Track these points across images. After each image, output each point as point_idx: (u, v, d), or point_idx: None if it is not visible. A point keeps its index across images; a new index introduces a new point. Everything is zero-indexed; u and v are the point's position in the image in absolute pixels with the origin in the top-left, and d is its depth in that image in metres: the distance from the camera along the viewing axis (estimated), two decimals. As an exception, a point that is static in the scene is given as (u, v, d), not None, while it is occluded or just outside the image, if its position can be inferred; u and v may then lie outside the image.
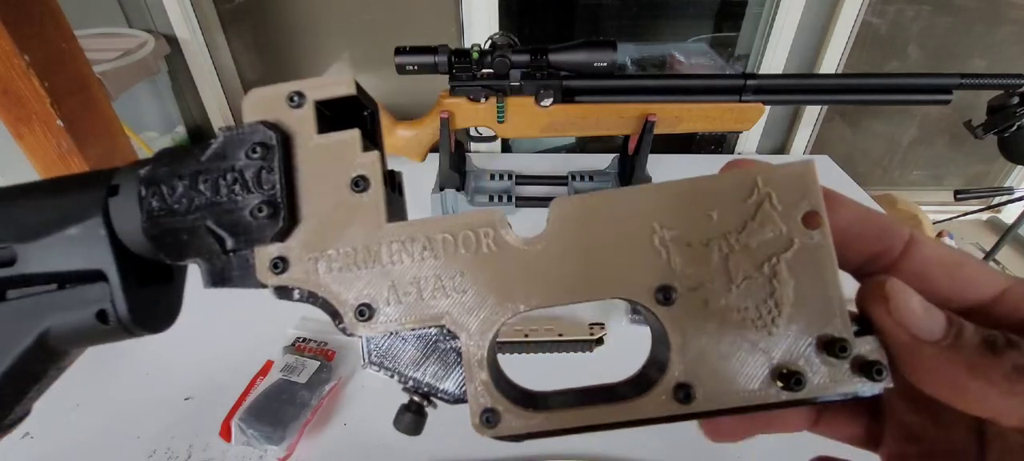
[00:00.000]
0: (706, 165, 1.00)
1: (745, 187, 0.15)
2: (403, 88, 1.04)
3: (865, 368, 0.14)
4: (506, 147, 1.07)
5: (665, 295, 0.15)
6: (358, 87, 0.16)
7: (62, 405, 0.52)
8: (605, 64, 0.66)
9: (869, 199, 0.91)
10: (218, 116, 1.01)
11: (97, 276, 0.16)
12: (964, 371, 0.13)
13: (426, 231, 0.16)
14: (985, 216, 1.34)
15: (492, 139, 0.77)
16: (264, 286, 0.16)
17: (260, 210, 0.15)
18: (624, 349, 0.45)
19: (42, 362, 0.16)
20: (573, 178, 0.88)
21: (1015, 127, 0.74)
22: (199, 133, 1.05)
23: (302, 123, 0.16)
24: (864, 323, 0.15)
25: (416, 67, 0.67)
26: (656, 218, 0.15)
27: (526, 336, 0.58)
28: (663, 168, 0.90)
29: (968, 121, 0.81)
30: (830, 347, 0.15)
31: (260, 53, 1.03)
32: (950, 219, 1.22)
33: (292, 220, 0.16)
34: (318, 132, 0.16)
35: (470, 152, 0.90)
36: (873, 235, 0.16)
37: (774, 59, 0.97)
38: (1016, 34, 1.08)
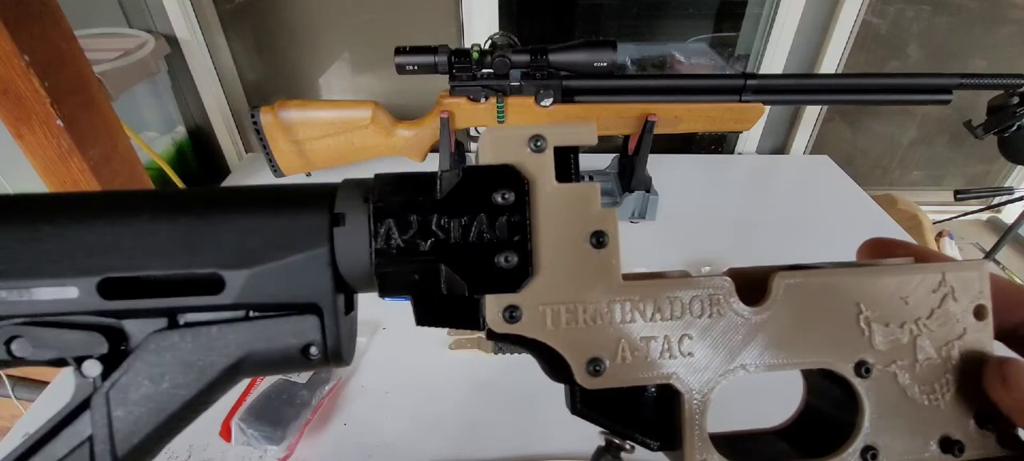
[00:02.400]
0: (706, 165, 1.00)
1: (934, 280, 0.17)
2: (403, 88, 1.04)
3: (1008, 440, 0.17)
4: (506, 147, 1.07)
5: (865, 368, 0.17)
6: None
7: (62, 405, 0.52)
8: (605, 64, 0.66)
9: (869, 199, 0.91)
10: (218, 116, 1.00)
11: (309, 309, 0.15)
12: None
13: (659, 293, 0.16)
14: (985, 216, 1.34)
15: (492, 139, 0.77)
16: (484, 328, 0.16)
17: (506, 260, 0.15)
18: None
19: (219, 391, 0.15)
20: (573, 178, 0.88)
21: (1015, 127, 0.74)
22: (199, 133, 1.05)
23: (542, 169, 0.15)
24: None
25: (416, 67, 0.67)
26: (863, 299, 0.17)
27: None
28: (663, 168, 0.89)
29: (968, 121, 0.80)
30: (983, 421, 0.17)
31: (260, 53, 1.03)
32: (950, 219, 1.22)
33: (531, 270, 0.15)
34: (556, 179, 0.15)
35: (470, 152, 0.90)
36: (1016, 304, 0.18)
37: (774, 59, 0.97)
38: (1016, 34, 1.08)
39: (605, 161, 0.90)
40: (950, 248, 1.15)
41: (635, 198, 0.79)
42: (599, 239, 0.16)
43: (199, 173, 1.05)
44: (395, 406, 0.54)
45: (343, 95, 1.08)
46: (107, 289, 0.14)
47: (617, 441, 0.18)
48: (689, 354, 0.16)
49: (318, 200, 0.15)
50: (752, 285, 0.17)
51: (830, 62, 0.97)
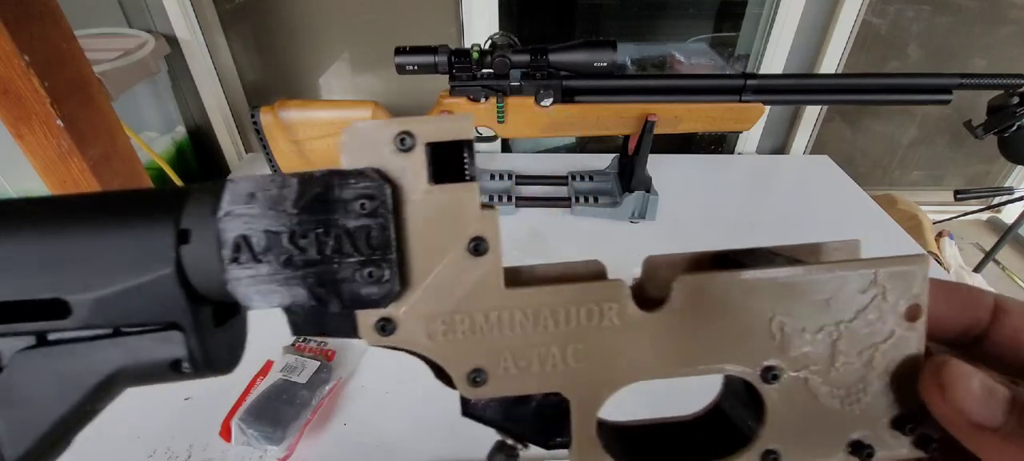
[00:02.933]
0: (706, 165, 1.00)
1: (865, 281, 0.15)
2: (403, 88, 1.04)
3: (923, 442, 0.16)
4: (506, 147, 1.07)
5: (772, 375, 0.16)
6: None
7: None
8: (605, 64, 0.66)
9: (869, 199, 0.91)
10: (218, 116, 1.00)
11: (171, 326, 0.14)
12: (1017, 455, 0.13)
13: (548, 301, 0.15)
14: (985, 216, 1.34)
15: (492, 139, 0.77)
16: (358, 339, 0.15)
17: (371, 275, 0.14)
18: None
19: (100, 403, 0.15)
20: (573, 178, 0.88)
21: (1015, 127, 0.74)
22: (199, 133, 1.05)
23: (413, 170, 0.14)
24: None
25: (416, 67, 0.67)
26: (777, 303, 0.15)
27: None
28: (663, 168, 0.89)
29: (968, 121, 0.81)
30: (900, 424, 0.16)
31: (260, 53, 1.03)
32: (950, 219, 1.22)
33: (403, 283, 0.14)
34: (429, 180, 0.14)
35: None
36: (960, 309, 0.16)
37: (774, 59, 0.97)
38: (1016, 34, 1.08)
39: (605, 161, 0.90)
40: (950, 248, 1.15)
41: (635, 198, 0.79)
42: (478, 246, 0.14)
43: (199, 173, 1.05)
44: (395, 406, 0.54)
45: (343, 95, 1.08)
46: None
47: (510, 442, 0.17)
48: (577, 363, 0.15)
49: (164, 212, 0.14)
50: (677, 273, 0.16)
51: (830, 62, 0.97)
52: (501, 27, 0.95)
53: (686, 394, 0.19)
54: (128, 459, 0.48)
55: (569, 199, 0.82)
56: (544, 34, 1.07)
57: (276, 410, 0.49)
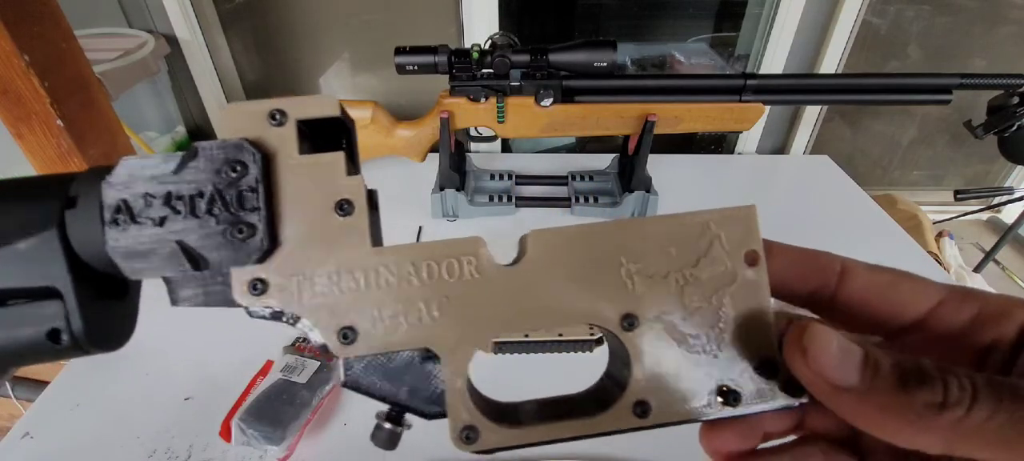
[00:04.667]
0: (706, 165, 1.00)
1: (698, 226, 0.17)
2: (403, 88, 1.04)
3: (792, 386, 0.17)
4: (506, 147, 1.07)
5: (630, 322, 0.16)
6: (342, 108, 0.16)
7: (62, 405, 0.52)
8: (605, 64, 0.66)
9: (869, 199, 0.91)
10: (218, 116, 1.01)
11: (50, 293, 0.14)
12: (879, 412, 0.14)
13: (411, 257, 0.16)
14: (985, 216, 1.34)
15: (492, 139, 0.77)
16: (237, 305, 0.15)
17: (240, 231, 0.15)
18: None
19: None
20: (573, 178, 0.88)
21: (1015, 127, 0.74)
22: (199, 133, 1.05)
23: (283, 142, 0.15)
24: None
25: (416, 67, 0.67)
26: (624, 253, 0.16)
27: (526, 336, 0.58)
28: (663, 168, 0.89)
29: (968, 121, 0.81)
30: (764, 369, 0.17)
31: (260, 53, 1.03)
32: (950, 219, 1.22)
33: (273, 242, 0.15)
34: (300, 152, 0.15)
35: (470, 152, 0.90)
36: (809, 272, 0.17)
37: (774, 59, 0.97)
38: (1016, 34, 1.08)
39: (605, 161, 0.90)
40: (950, 248, 1.15)
41: (635, 198, 0.79)
42: (344, 207, 0.15)
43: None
44: (395, 406, 0.54)
45: (343, 95, 1.08)
46: None
47: (389, 423, 0.18)
48: (442, 316, 0.16)
49: (57, 185, 0.15)
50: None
51: (830, 62, 0.97)
52: (501, 27, 0.95)
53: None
54: (128, 459, 0.48)
55: (569, 199, 0.82)
56: (544, 34, 1.07)
57: (276, 410, 0.49)
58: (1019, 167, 1.26)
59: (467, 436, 0.17)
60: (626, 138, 0.79)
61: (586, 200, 0.82)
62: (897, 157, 1.27)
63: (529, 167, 0.91)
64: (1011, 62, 1.09)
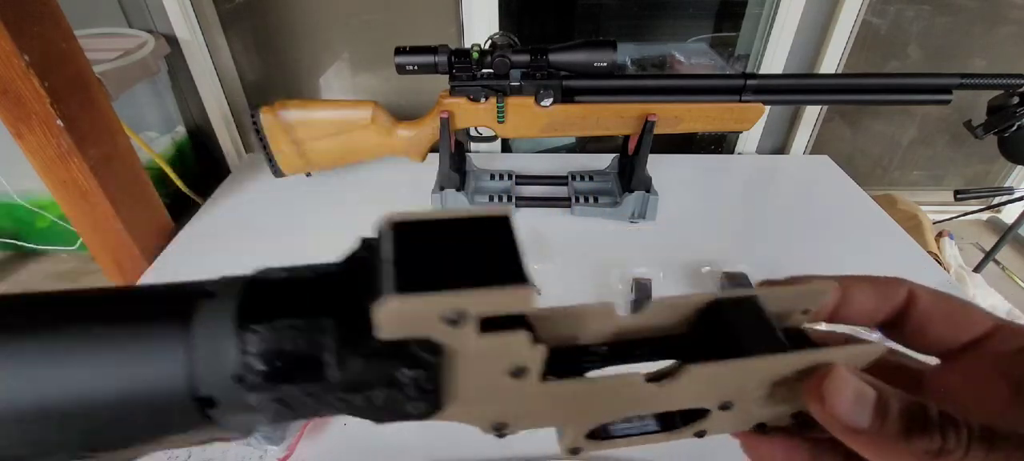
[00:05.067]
0: (706, 165, 1.00)
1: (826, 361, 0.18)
2: (403, 88, 1.04)
3: (800, 419, 0.20)
4: (506, 147, 1.07)
5: (727, 406, 0.18)
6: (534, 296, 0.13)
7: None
8: (605, 64, 0.66)
9: (869, 199, 0.91)
10: (218, 116, 1.00)
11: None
12: (886, 455, 0.16)
13: (574, 392, 0.17)
14: (985, 216, 1.34)
15: (492, 139, 0.78)
16: None
17: (413, 408, 0.14)
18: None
19: None
20: (573, 178, 0.88)
21: (1015, 127, 0.74)
22: (199, 133, 1.05)
23: (461, 336, 0.13)
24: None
25: (416, 67, 0.67)
26: (761, 377, 0.18)
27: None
28: (663, 168, 0.89)
29: (968, 121, 0.81)
30: (798, 415, 0.20)
31: (260, 53, 1.03)
32: (950, 219, 1.22)
33: (438, 408, 0.15)
34: (479, 331, 0.13)
35: (470, 152, 0.90)
36: (882, 301, 0.19)
37: (774, 59, 0.97)
38: (1016, 34, 1.08)
39: (605, 161, 0.90)
40: (950, 248, 1.15)
41: (635, 198, 0.79)
42: (519, 373, 0.15)
43: (199, 173, 1.05)
44: (395, 406, 0.54)
45: (343, 95, 1.08)
46: None
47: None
48: (584, 413, 0.18)
49: (174, 376, 0.12)
50: (669, 318, 0.18)
51: (830, 62, 0.97)
52: (501, 27, 0.95)
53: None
54: (128, 459, 0.48)
55: (569, 199, 0.82)
56: (544, 34, 1.07)
57: (276, 410, 0.49)
58: (1019, 167, 1.26)
59: (574, 452, 0.20)
60: (626, 138, 0.79)
61: (586, 200, 0.82)
62: (897, 157, 1.27)
63: (529, 167, 0.91)
64: (1011, 62, 1.09)
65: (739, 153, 1.10)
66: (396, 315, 0.12)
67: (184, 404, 0.12)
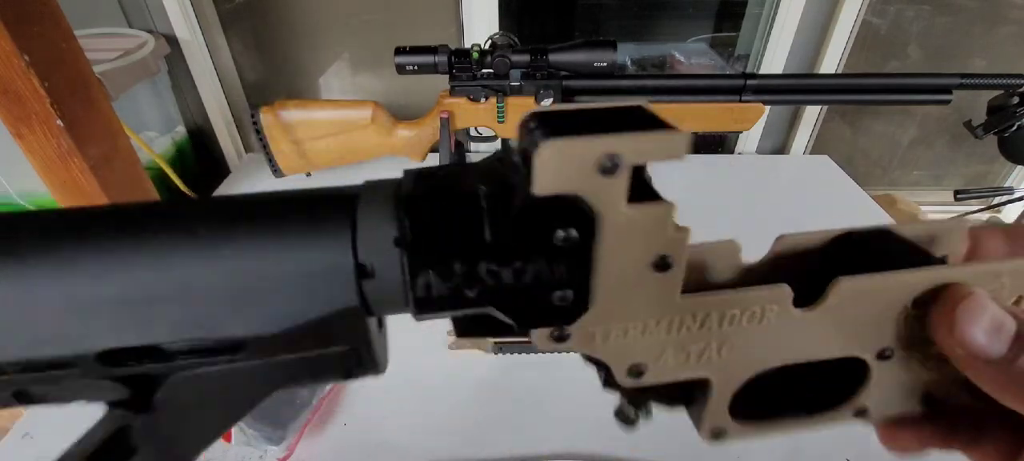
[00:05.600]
0: (706, 165, 1.00)
1: (990, 275, 0.16)
2: (403, 88, 1.04)
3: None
4: (506, 147, 1.07)
5: (886, 354, 0.17)
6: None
7: (62, 405, 0.52)
8: (605, 64, 0.66)
9: (869, 199, 0.91)
10: (218, 116, 1.00)
11: (344, 351, 0.14)
12: (1013, 385, 0.15)
13: (718, 306, 0.15)
14: (985, 216, 1.34)
15: (492, 139, 0.78)
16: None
17: (562, 299, 0.13)
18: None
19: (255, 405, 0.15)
20: (573, 178, 0.88)
21: (1015, 127, 0.74)
22: (199, 133, 1.04)
23: (613, 196, 0.12)
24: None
25: (416, 67, 0.67)
26: (915, 295, 0.16)
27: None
28: (663, 168, 0.89)
29: (968, 121, 0.80)
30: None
31: (260, 53, 1.03)
32: (950, 219, 1.22)
33: (585, 308, 0.14)
34: (628, 201, 0.13)
35: (470, 152, 0.90)
36: (1014, 248, 0.18)
37: (774, 59, 0.97)
38: (1016, 34, 1.08)
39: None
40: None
41: (635, 198, 0.79)
42: (663, 262, 0.14)
43: (199, 173, 1.05)
44: (395, 406, 0.54)
45: (343, 95, 1.08)
46: (110, 359, 0.13)
47: (633, 408, 0.18)
48: (729, 355, 0.16)
49: (337, 240, 0.13)
50: (799, 259, 0.16)
51: (830, 62, 0.97)
52: (501, 27, 0.95)
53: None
54: (128, 459, 0.48)
55: (569, 199, 0.82)
56: (544, 34, 1.07)
57: (276, 410, 0.49)
58: (1019, 167, 1.26)
59: (716, 434, 0.18)
60: (626, 138, 0.78)
61: (586, 200, 0.82)
62: (897, 157, 1.27)
63: (529, 167, 0.91)
64: (1011, 62, 1.09)
65: (739, 153, 1.10)
66: (554, 160, 0.11)
67: (347, 276, 0.13)
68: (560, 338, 0.15)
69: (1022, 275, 0.16)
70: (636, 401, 0.17)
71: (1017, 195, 1.09)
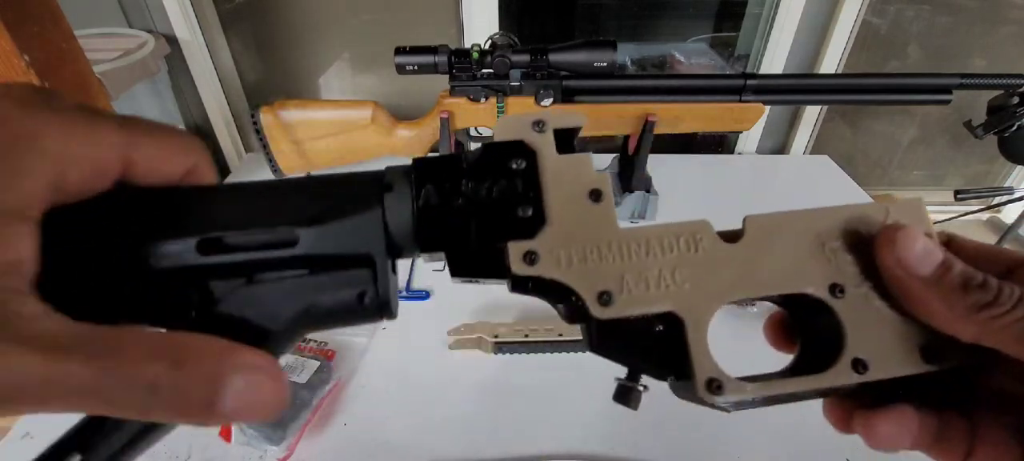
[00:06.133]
0: (706, 165, 1.00)
1: (880, 211, 0.20)
2: (403, 88, 1.04)
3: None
4: (506, 147, 1.07)
5: (839, 290, 0.19)
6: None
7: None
8: (605, 64, 0.66)
9: (869, 199, 0.91)
10: (218, 116, 1.00)
11: (365, 261, 0.18)
12: (938, 300, 0.17)
13: (654, 233, 0.19)
14: (985, 216, 1.34)
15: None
16: (507, 277, 0.19)
17: (523, 211, 0.18)
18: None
19: (300, 335, 0.18)
20: (573, 178, 0.88)
21: (1015, 127, 0.74)
22: (199, 133, 1.04)
23: (545, 144, 0.19)
24: None
25: (416, 67, 0.67)
26: (824, 232, 0.20)
27: (526, 336, 0.58)
28: (663, 168, 0.89)
29: (968, 121, 0.80)
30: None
31: (260, 53, 1.03)
32: (950, 219, 1.22)
33: (543, 220, 0.18)
34: (557, 151, 0.19)
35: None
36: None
37: (774, 59, 0.97)
38: (1016, 34, 1.08)
39: (605, 161, 0.90)
40: (950, 248, 1.15)
41: (635, 198, 0.79)
42: (596, 196, 0.19)
43: (199, 173, 1.05)
44: (395, 406, 0.54)
45: (343, 95, 1.08)
46: (205, 247, 0.17)
47: (630, 383, 0.20)
48: (684, 283, 0.19)
49: (371, 177, 0.19)
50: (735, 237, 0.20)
51: (830, 62, 0.97)
52: (501, 27, 0.95)
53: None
54: (128, 459, 0.48)
55: (569, 199, 0.82)
56: (544, 34, 1.07)
57: (276, 410, 0.49)
58: (1019, 167, 1.26)
59: (714, 387, 0.18)
60: (626, 138, 0.78)
61: (586, 200, 0.82)
62: (897, 157, 1.27)
63: (529, 167, 0.91)
64: (1011, 62, 1.09)
65: (739, 153, 1.10)
66: (506, 124, 0.19)
67: (374, 191, 0.18)
68: (531, 259, 0.18)
69: (903, 211, 0.20)
70: (632, 376, 0.20)
71: (1017, 195, 1.09)
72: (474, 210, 0.18)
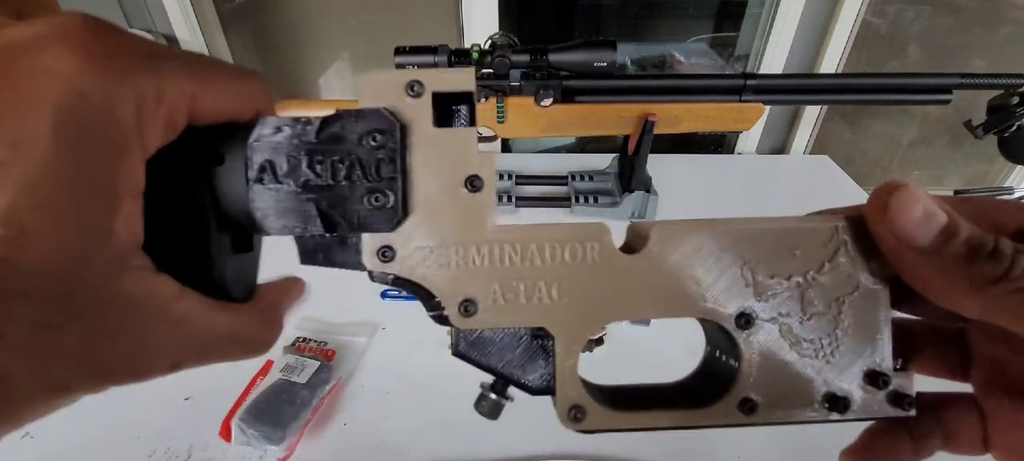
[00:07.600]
0: (706, 165, 1.00)
1: (826, 232, 0.17)
2: (403, 88, 1.04)
3: (897, 399, 0.17)
4: (506, 147, 1.07)
5: (745, 320, 0.16)
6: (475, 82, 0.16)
7: (62, 405, 0.52)
8: (605, 64, 0.66)
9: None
10: (359, 82, 1.00)
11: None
12: (940, 275, 0.14)
13: (536, 237, 0.16)
14: (985, 216, 1.34)
15: (492, 139, 0.77)
16: (364, 269, 0.16)
17: (376, 199, 0.15)
18: (624, 350, 0.46)
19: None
20: (573, 178, 0.88)
21: (1015, 127, 0.74)
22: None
23: (419, 113, 0.16)
24: (905, 361, 0.17)
25: (416, 67, 0.67)
26: (746, 250, 0.16)
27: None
28: (663, 168, 0.89)
29: (968, 121, 0.80)
30: (874, 379, 0.17)
31: (260, 53, 1.03)
32: (950, 219, 1.22)
33: (405, 211, 0.16)
34: (434, 124, 0.16)
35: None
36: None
37: (774, 59, 0.97)
38: (1016, 34, 1.08)
39: (605, 161, 0.90)
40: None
41: (635, 198, 0.79)
42: (474, 184, 0.16)
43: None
44: (395, 406, 0.54)
45: (343, 95, 1.08)
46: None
47: (494, 393, 0.18)
48: (561, 299, 0.16)
49: (210, 140, 0.15)
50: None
51: (830, 62, 0.97)
52: (501, 27, 0.95)
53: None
54: (128, 459, 0.48)
55: (569, 199, 0.82)
56: (544, 34, 1.07)
57: (276, 410, 0.49)
58: (1019, 167, 1.26)
59: (575, 415, 0.17)
60: (626, 138, 0.78)
61: (586, 200, 0.82)
62: (897, 157, 1.27)
63: (529, 167, 0.91)
64: (1011, 62, 1.09)
65: (739, 153, 1.10)
66: (372, 82, 0.15)
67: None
68: (387, 256, 0.16)
69: (858, 228, 0.16)
70: (496, 387, 0.18)
71: (1017, 195, 1.09)
72: (318, 195, 0.15)
